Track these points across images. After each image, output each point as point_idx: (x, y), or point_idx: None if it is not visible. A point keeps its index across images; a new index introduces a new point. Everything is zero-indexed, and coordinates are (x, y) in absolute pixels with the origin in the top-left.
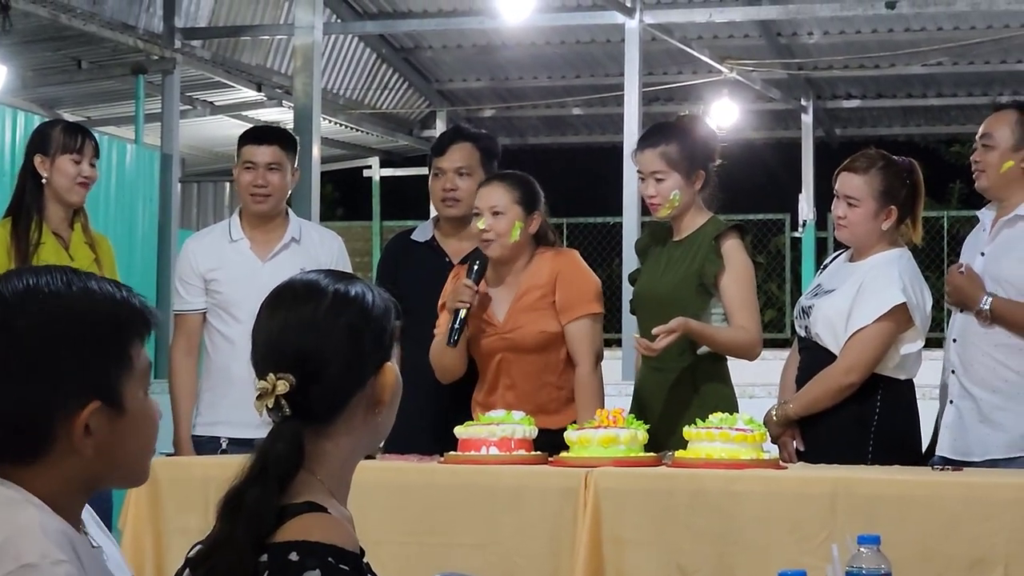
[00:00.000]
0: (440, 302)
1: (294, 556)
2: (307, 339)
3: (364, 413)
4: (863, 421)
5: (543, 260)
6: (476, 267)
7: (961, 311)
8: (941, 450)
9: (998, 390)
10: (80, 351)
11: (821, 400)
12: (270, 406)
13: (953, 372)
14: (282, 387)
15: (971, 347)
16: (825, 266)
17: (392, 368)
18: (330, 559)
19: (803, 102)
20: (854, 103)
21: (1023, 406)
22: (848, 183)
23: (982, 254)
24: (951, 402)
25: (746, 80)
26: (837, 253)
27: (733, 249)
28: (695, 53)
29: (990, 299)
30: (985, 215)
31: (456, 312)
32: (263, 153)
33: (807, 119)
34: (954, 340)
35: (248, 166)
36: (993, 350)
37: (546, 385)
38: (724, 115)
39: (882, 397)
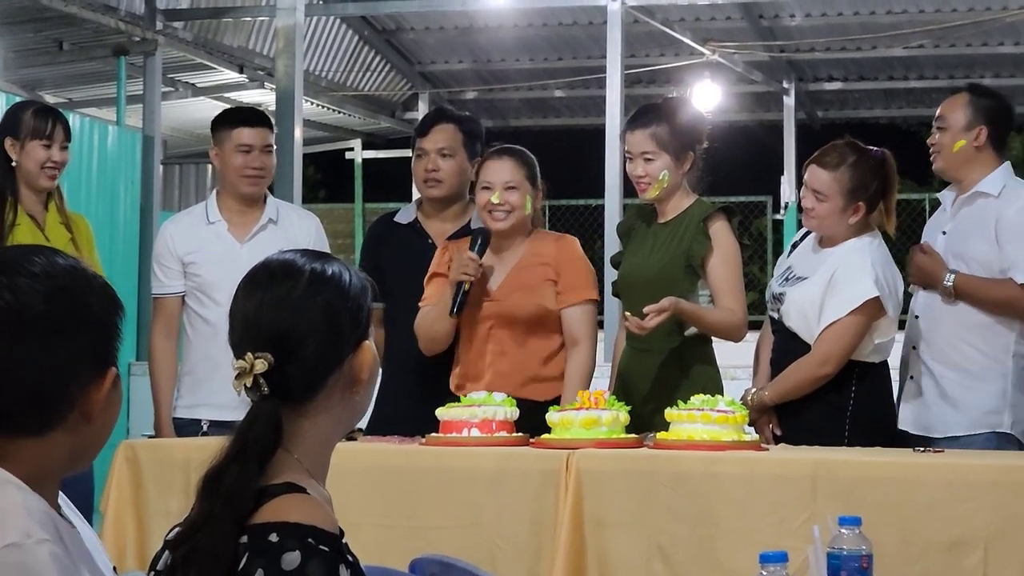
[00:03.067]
0: (428, 273)
1: (274, 537)
2: (284, 318)
3: (342, 392)
4: (839, 405)
5: (546, 241)
6: (480, 242)
7: (925, 289)
8: (904, 424)
9: (959, 368)
10: (99, 319)
11: (796, 390)
12: (248, 385)
13: (915, 348)
14: (260, 366)
15: (935, 325)
16: (795, 245)
17: (370, 347)
18: (310, 540)
19: (785, 84)
20: (836, 85)
21: (985, 384)
22: (816, 177)
23: (944, 233)
24: (911, 378)
25: (728, 62)
26: (806, 231)
27: (720, 231)
28: (677, 35)
29: (952, 276)
30: (946, 196)
31: (460, 284)
32: (258, 136)
33: (789, 101)
34: (916, 317)
35: (244, 149)
36: (958, 328)
37: (534, 358)
38: (706, 97)
39: (857, 382)
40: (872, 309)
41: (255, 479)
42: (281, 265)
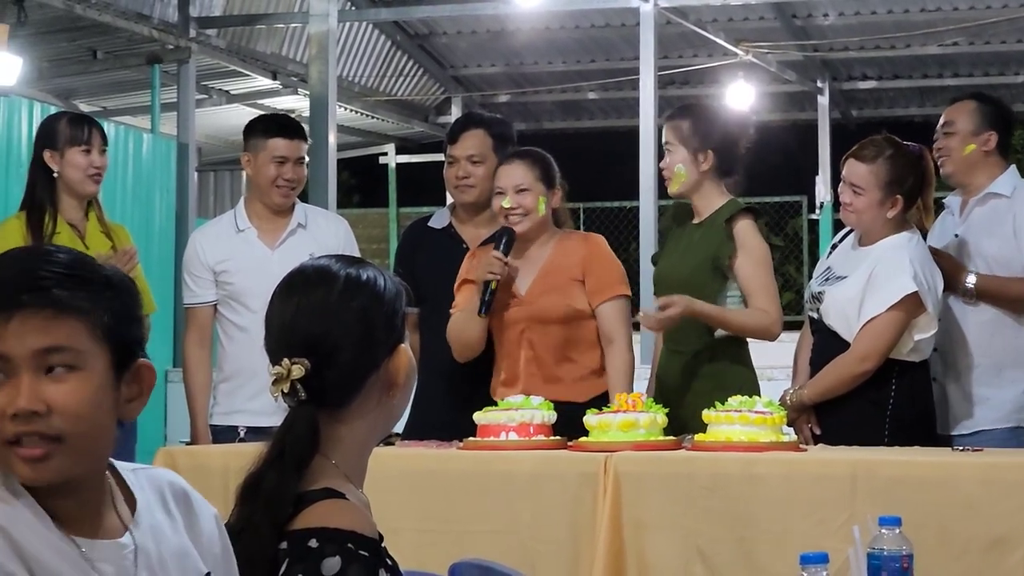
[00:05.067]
0: (457, 281)
1: (313, 543)
2: (320, 323)
3: (379, 396)
4: (879, 405)
5: (572, 241)
6: (504, 241)
7: (945, 292)
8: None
9: (984, 366)
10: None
11: (835, 388)
12: (286, 391)
13: (936, 350)
14: (297, 372)
15: (956, 326)
16: (834, 246)
17: (406, 350)
18: (349, 545)
19: (819, 84)
20: (870, 84)
21: (1011, 380)
22: (854, 171)
23: (956, 236)
24: (934, 379)
25: (762, 62)
26: (845, 232)
27: (744, 231)
28: (710, 36)
29: (974, 277)
30: (952, 201)
31: (487, 283)
32: (293, 147)
33: (823, 101)
34: (938, 319)
35: (279, 160)
36: (981, 328)
37: (568, 360)
38: (740, 98)
39: (897, 381)
40: (911, 305)
41: (293, 485)
42: (316, 271)
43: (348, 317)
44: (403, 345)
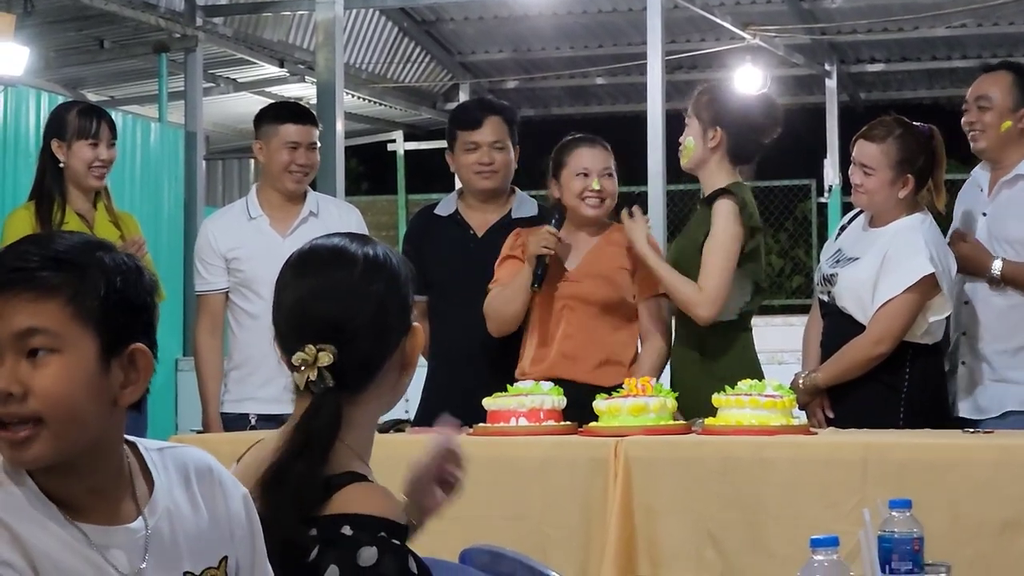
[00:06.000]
0: (500, 256)
1: (347, 530)
2: (343, 307)
3: (395, 377)
4: (893, 388)
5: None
6: (557, 217)
7: (970, 276)
8: (959, 411)
9: (1012, 349)
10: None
11: (850, 371)
12: (312, 378)
13: (964, 334)
14: (325, 359)
15: (985, 310)
16: (843, 227)
17: (419, 329)
18: (383, 533)
19: (827, 67)
20: (878, 67)
21: None
22: (864, 151)
23: (984, 215)
24: (963, 363)
25: (769, 46)
26: (854, 214)
27: (719, 212)
28: (717, 20)
29: (1000, 263)
30: (980, 175)
31: (540, 258)
32: (305, 133)
33: (831, 84)
34: (965, 303)
35: (291, 146)
36: (1010, 311)
37: (604, 344)
38: (748, 81)
39: (911, 364)
40: (927, 287)
41: (321, 471)
42: (331, 251)
43: (370, 300)
44: (416, 324)
